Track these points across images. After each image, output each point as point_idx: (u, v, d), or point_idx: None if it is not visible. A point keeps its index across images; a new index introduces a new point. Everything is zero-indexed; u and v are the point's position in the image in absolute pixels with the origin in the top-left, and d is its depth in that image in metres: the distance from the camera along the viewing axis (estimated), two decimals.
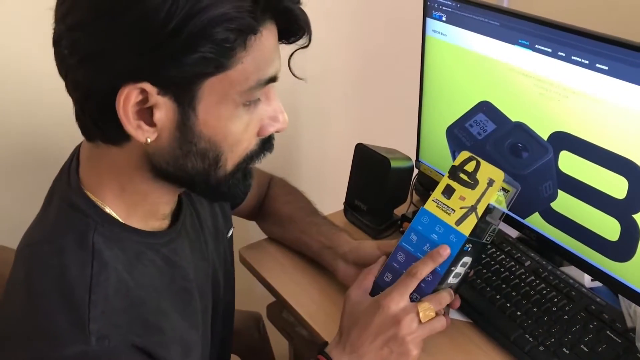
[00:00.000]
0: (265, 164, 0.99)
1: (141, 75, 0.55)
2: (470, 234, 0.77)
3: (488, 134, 0.93)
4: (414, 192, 1.16)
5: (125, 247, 0.63)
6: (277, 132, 0.66)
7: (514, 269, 0.92)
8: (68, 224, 0.62)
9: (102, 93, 0.56)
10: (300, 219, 0.99)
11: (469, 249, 0.79)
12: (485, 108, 0.92)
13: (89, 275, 0.59)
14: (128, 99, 0.55)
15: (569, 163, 0.82)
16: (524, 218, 0.91)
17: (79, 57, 0.56)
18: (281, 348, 1.22)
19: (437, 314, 0.76)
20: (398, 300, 0.74)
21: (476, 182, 0.78)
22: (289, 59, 0.65)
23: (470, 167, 0.79)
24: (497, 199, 0.78)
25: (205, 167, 0.62)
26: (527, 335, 0.81)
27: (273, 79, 0.61)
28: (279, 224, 1.01)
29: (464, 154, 0.80)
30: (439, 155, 1.05)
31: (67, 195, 0.64)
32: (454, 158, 1.02)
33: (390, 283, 0.77)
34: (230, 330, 0.92)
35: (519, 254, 0.95)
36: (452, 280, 0.80)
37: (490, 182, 0.77)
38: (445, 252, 0.75)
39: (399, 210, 1.10)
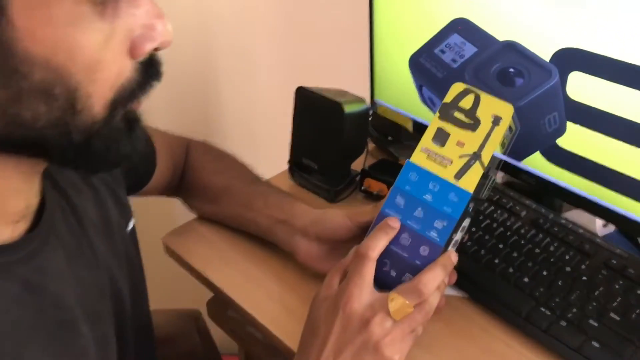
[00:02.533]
0: (177, 127, 0.77)
1: None
2: (475, 190, 0.59)
3: (467, 59, 0.74)
4: (367, 139, 0.96)
5: None
6: (158, 49, 0.44)
7: (508, 222, 0.76)
8: None
9: None
10: (239, 190, 0.77)
11: (471, 209, 0.61)
12: (460, 27, 0.73)
13: None
14: None
15: (581, 86, 0.65)
16: (520, 160, 0.74)
17: None
18: (230, 345, 1.02)
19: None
20: (358, 295, 0.55)
21: (477, 122, 0.59)
22: None
23: (467, 102, 0.60)
24: (502, 141, 0.60)
25: (55, 113, 0.40)
26: (542, 309, 0.65)
27: None
28: (211, 199, 0.79)
29: (458, 87, 0.61)
30: (400, 92, 0.85)
31: None
32: (421, 94, 0.82)
33: (380, 268, 0.58)
34: (150, 348, 0.70)
35: (512, 203, 0.78)
36: (449, 247, 0.62)
37: (496, 120, 0.59)
38: (395, 223, 0.59)
39: (356, 165, 0.90)
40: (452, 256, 0.59)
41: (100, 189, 0.61)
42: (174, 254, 0.79)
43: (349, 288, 0.56)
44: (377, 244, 0.58)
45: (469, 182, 0.58)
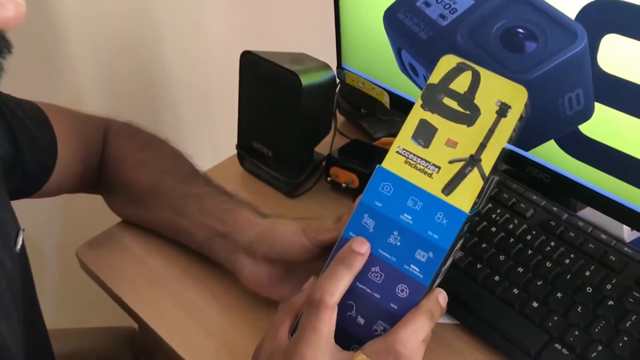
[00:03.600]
0: (113, 103, 0.60)
1: None
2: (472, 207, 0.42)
3: (459, 15, 0.56)
4: (336, 112, 0.79)
5: None
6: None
7: (511, 225, 0.60)
8: None
9: None
10: (168, 190, 0.61)
11: (466, 230, 0.44)
12: None
13: None
14: None
15: (618, 55, 0.47)
16: (526, 150, 0.57)
17: None
18: None
19: None
20: (312, 356, 0.41)
21: (476, 112, 0.42)
22: None
23: (461, 83, 0.42)
24: (511, 137, 0.43)
25: None
26: (557, 345, 0.51)
27: None
28: (135, 200, 0.63)
29: (448, 61, 0.43)
30: (373, 56, 0.67)
31: None
32: (399, 59, 0.65)
33: (342, 313, 0.43)
34: None
35: (515, 199, 0.62)
36: (437, 282, 0.46)
37: (503, 110, 0.41)
38: (362, 247, 0.42)
39: (324, 146, 0.73)
40: (440, 298, 0.44)
41: None
42: (90, 271, 0.62)
43: (300, 347, 0.41)
44: (337, 285, 0.42)
45: (464, 198, 0.41)
